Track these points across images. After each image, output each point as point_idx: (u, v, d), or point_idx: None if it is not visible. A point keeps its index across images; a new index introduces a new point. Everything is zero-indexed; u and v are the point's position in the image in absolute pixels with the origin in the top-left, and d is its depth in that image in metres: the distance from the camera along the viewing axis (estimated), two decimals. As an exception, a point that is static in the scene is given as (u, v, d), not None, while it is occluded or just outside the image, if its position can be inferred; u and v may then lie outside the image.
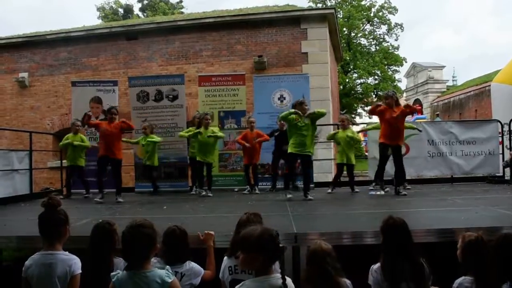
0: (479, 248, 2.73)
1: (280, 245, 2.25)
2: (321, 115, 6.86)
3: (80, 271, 2.71)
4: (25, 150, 8.99)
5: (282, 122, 7.73)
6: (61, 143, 8.66)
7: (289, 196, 6.77)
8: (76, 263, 2.72)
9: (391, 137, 6.88)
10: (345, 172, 8.22)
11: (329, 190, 7.81)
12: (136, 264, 2.42)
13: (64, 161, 9.58)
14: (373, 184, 8.05)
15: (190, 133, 8.01)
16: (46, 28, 16.20)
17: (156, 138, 8.55)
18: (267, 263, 2.23)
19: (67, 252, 2.76)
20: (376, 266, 2.89)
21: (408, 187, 7.48)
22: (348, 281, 2.68)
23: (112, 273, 2.49)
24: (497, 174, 8.86)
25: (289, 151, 6.86)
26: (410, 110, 7.41)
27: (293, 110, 6.77)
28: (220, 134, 8.00)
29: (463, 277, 2.78)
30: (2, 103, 14.99)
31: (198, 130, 7.80)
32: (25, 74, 14.62)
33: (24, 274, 2.71)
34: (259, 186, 8.34)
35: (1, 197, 7.46)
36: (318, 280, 2.58)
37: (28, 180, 8.49)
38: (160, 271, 2.44)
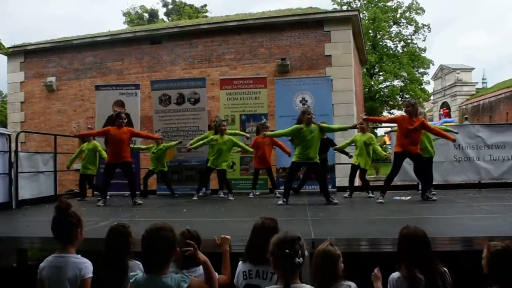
0: (507, 259, 2.58)
1: (287, 251, 2.19)
2: (328, 129, 7.10)
3: (91, 275, 2.68)
4: (50, 152, 9.19)
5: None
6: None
7: (279, 202, 6.75)
8: (87, 267, 2.68)
9: (406, 145, 6.65)
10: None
11: (345, 195, 7.79)
12: (155, 268, 2.37)
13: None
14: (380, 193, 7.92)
15: (201, 141, 8.04)
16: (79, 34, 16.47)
17: (167, 144, 8.64)
18: (283, 271, 2.22)
19: (79, 256, 2.74)
20: (396, 275, 2.77)
21: (433, 192, 7.25)
22: (353, 284, 2.62)
23: (131, 273, 2.47)
24: (528, 180, 8.53)
25: (293, 160, 6.88)
26: (438, 133, 6.96)
27: (293, 127, 6.86)
28: (241, 144, 8.10)
29: (489, 288, 2.65)
30: (31, 107, 15.42)
31: (213, 137, 7.85)
32: (53, 78, 15.01)
33: (39, 276, 2.72)
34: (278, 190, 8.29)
35: (27, 198, 7.65)
36: (326, 281, 2.54)
37: (52, 182, 8.68)
38: (175, 275, 2.39)
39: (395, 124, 7.29)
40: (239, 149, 8.40)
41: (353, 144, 7.95)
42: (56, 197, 8.34)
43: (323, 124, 6.93)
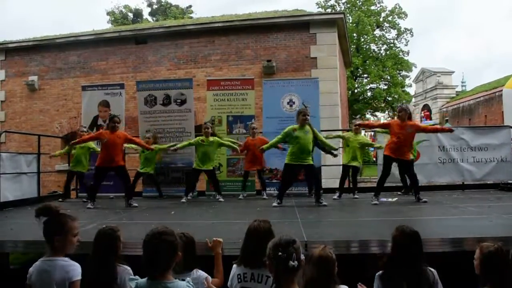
0: (499, 260, 2.63)
1: (279, 254, 2.17)
2: (317, 138, 7.01)
3: (79, 278, 2.62)
4: (33, 153, 9.00)
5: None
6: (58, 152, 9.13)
7: (274, 204, 6.74)
8: (74, 269, 2.62)
9: (397, 151, 6.73)
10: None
11: (335, 196, 7.76)
12: (158, 273, 2.30)
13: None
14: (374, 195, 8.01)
15: (186, 142, 8.08)
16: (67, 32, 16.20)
17: (159, 146, 8.59)
18: (276, 274, 2.20)
19: (67, 258, 2.67)
20: (381, 273, 2.84)
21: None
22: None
23: (131, 277, 2.41)
24: (509, 181, 8.69)
25: (286, 161, 6.84)
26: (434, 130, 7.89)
27: (285, 131, 6.84)
28: (226, 143, 8.04)
29: (480, 289, 2.69)
30: (12, 106, 15.08)
31: (198, 138, 7.83)
32: (35, 77, 14.70)
33: (28, 281, 2.65)
34: (267, 192, 8.28)
35: (9, 200, 7.48)
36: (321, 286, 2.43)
37: (36, 183, 8.51)
38: (181, 283, 2.33)
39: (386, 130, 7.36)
40: (230, 150, 8.40)
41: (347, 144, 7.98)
42: (39, 199, 8.18)
43: (316, 132, 6.97)
